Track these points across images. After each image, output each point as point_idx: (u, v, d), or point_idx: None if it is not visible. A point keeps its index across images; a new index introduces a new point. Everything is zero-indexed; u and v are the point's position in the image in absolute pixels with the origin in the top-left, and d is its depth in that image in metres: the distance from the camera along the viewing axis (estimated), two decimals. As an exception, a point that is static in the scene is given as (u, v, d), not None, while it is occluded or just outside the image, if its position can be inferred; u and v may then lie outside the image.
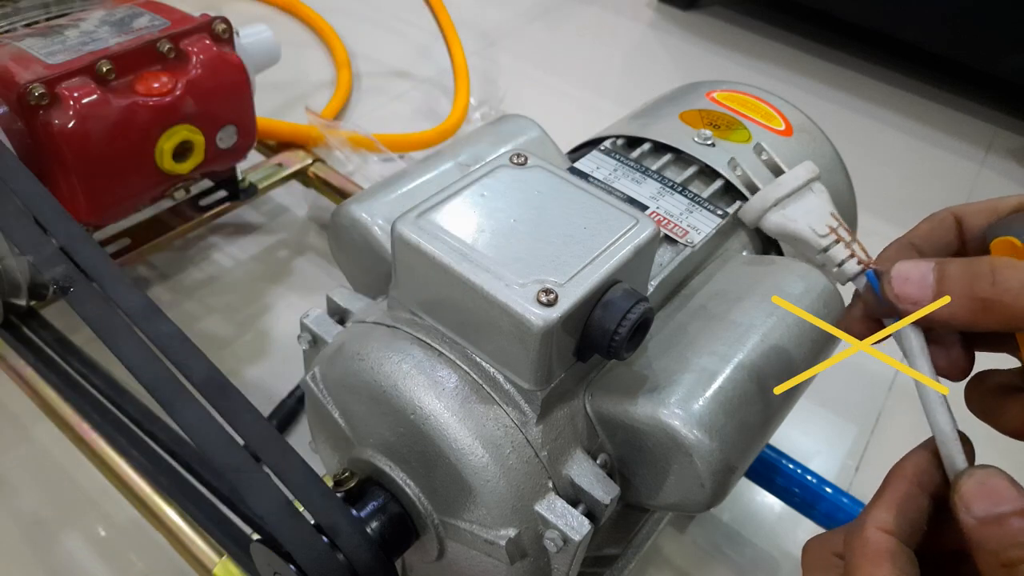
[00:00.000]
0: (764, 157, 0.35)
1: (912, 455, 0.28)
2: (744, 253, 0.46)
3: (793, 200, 0.33)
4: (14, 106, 0.49)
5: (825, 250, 0.31)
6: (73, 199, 0.52)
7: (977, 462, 0.27)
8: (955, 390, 0.29)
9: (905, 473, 0.28)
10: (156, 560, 0.51)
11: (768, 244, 0.47)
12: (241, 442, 0.33)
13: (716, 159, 0.46)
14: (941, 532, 0.27)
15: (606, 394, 0.36)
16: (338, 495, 0.34)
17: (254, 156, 0.71)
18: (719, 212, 0.44)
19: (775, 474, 0.52)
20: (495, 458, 0.33)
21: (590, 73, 1.11)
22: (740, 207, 0.34)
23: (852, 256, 0.30)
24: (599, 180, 0.45)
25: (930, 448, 0.28)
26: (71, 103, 0.49)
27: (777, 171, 0.34)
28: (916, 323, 0.28)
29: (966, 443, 0.27)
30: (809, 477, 0.51)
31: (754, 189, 0.34)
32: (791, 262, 0.43)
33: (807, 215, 0.32)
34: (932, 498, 0.27)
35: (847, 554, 0.27)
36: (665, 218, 0.43)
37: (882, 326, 0.29)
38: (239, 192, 0.68)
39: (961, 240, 0.30)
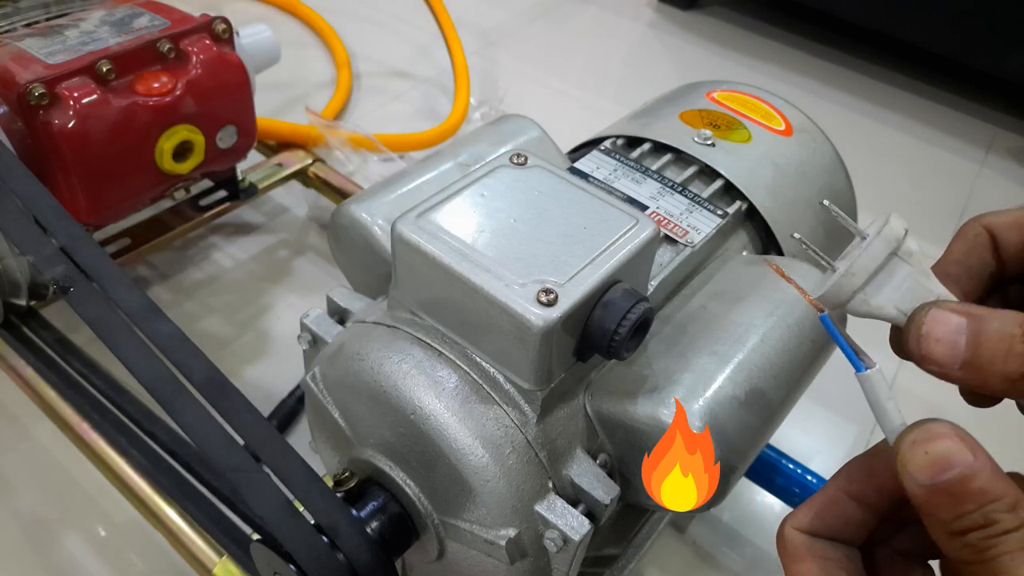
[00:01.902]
0: (832, 214, 0.28)
1: (846, 465, 0.29)
2: (744, 253, 0.46)
3: (876, 278, 0.27)
4: (14, 106, 0.49)
5: None
6: (73, 199, 0.52)
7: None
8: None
9: (834, 481, 0.28)
10: (156, 560, 0.51)
11: (768, 244, 0.47)
12: (241, 442, 0.33)
13: (716, 159, 0.46)
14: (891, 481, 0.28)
15: (606, 394, 0.36)
16: (338, 495, 0.34)
17: (254, 156, 0.71)
18: (719, 212, 0.44)
19: (775, 474, 0.52)
20: (495, 458, 0.33)
21: (590, 73, 1.11)
22: (821, 291, 0.28)
23: None
24: (599, 180, 0.45)
25: (861, 457, 0.28)
26: (71, 103, 0.49)
27: (844, 234, 0.28)
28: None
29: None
30: (809, 477, 0.51)
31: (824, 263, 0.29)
32: (791, 262, 0.43)
33: (893, 295, 0.27)
34: (859, 501, 0.28)
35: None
36: (665, 218, 0.43)
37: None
38: (239, 192, 0.68)
39: (998, 256, 0.29)
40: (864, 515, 0.28)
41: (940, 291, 0.27)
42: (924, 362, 0.25)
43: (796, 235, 0.30)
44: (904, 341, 0.26)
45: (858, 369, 0.26)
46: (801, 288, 0.28)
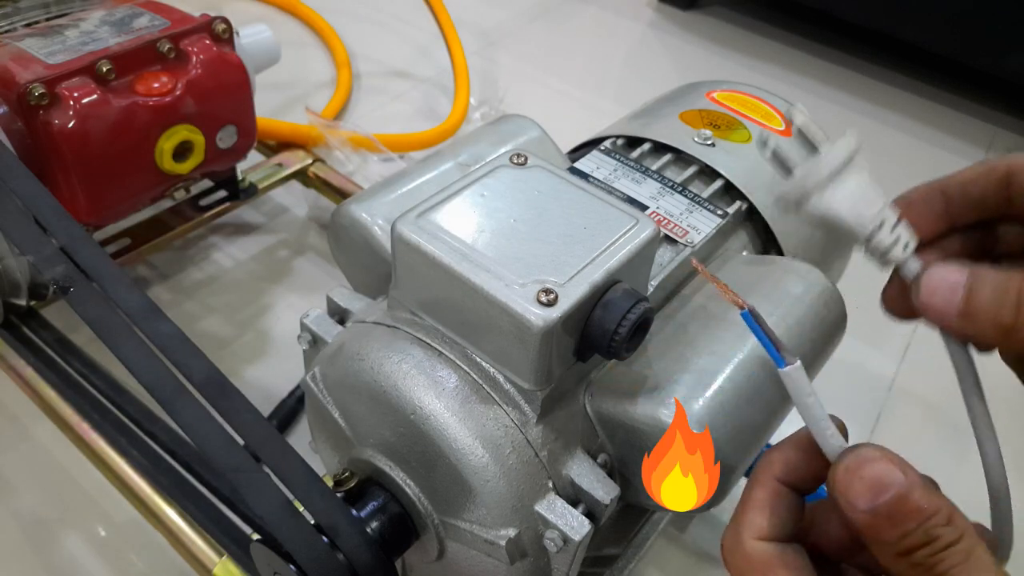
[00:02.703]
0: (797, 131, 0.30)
1: (772, 453, 0.28)
2: (744, 253, 0.46)
3: (834, 181, 0.29)
4: (14, 106, 0.49)
5: (869, 238, 0.29)
6: (73, 199, 0.52)
7: None
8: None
9: (771, 471, 0.27)
10: (156, 560, 0.51)
11: (768, 244, 0.47)
12: (241, 442, 0.33)
13: (716, 159, 0.46)
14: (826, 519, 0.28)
15: (606, 394, 0.36)
16: (338, 495, 0.34)
17: (254, 156, 0.71)
18: (719, 212, 0.44)
19: (775, 474, 0.52)
20: (495, 458, 0.33)
21: (590, 73, 1.11)
22: (781, 190, 0.30)
23: (897, 242, 0.29)
24: (599, 180, 0.45)
25: (790, 443, 0.28)
26: (71, 103, 0.49)
27: (811, 147, 0.30)
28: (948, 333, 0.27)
29: (839, 426, 0.26)
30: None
31: (787, 170, 0.30)
32: (791, 262, 0.43)
33: (850, 198, 0.29)
34: (798, 491, 0.27)
35: (733, 571, 0.27)
36: (665, 218, 0.43)
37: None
38: (239, 192, 0.68)
39: (1008, 196, 0.29)
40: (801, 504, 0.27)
41: (884, 201, 0.29)
42: (925, 312, 0.27)
43: (798, 104, 0.29)
44: (911, 295, 0.27)
45: (779, 365, 0.26)
46: (727, 288, 0.28)
